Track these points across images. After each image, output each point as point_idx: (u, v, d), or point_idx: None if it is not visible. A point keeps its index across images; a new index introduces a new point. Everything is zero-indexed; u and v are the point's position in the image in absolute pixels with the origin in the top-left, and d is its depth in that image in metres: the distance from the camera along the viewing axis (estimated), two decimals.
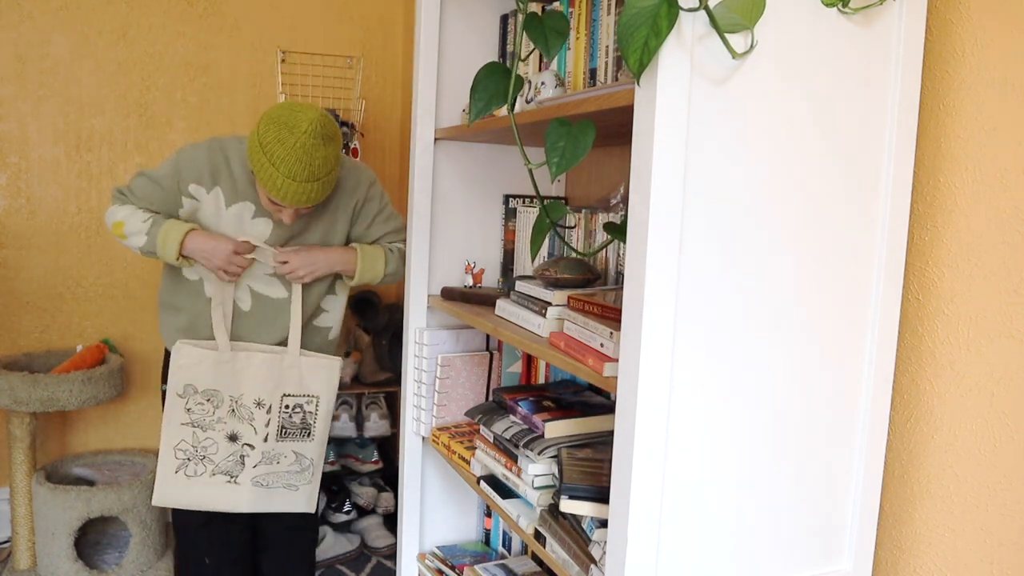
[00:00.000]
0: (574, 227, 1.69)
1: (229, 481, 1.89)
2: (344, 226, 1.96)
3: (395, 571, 2.37)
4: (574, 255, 1.63)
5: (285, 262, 1.85)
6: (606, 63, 1.52)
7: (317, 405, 1.93)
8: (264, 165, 1.64)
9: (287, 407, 1.90)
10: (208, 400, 1.84)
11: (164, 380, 2.01)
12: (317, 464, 1.98)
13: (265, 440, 1.89)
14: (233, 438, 1.87)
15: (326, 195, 1.73)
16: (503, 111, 1.56)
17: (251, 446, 1.89)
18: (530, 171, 1.22)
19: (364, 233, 2.00)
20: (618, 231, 1.30)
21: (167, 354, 2.00)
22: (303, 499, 1.99)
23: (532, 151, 2.03)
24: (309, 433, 1.94)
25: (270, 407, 1.88)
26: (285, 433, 1.91)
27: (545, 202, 1.32)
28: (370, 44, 3.04)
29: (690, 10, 0.94)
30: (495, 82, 1.21)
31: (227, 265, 1.81)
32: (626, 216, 1.35)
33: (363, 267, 1.94)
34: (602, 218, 1.59)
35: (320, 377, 1.93)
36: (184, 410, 1.83)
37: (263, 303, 1.91)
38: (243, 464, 1.89)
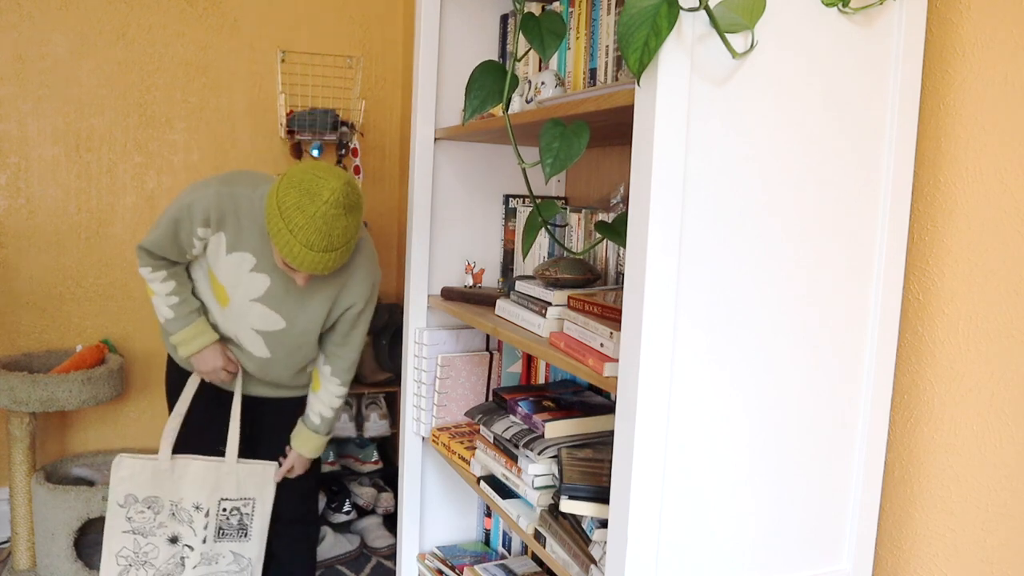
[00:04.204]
0: (565, 226, 1.69)
1: None
2: (334, 318, 1.89)
3: (395, 571, 2.37)
4: (568, 254, 1.63)
5: (291, 469, 2.00)
6: (606, 63, 1.52)
7: (254, 507, 2.00)
8: (281, 230, 1.58)
9: (224, 510, 1.98)
10: (149, 507, 1.92)
11: (168, 383, 2.03)
12: (256, 564, 2.03)
13: (204, 541, 1.96)
14: (174, 540, 1.95)
15: (342, 263, 1.67)
16: (501, 110, 1.56)
17: (191, 547, 1.96)
18: (523, 170, 1.22)
19: (336, 342, 1.92)
20: (609, 230, 1.30)
21: (170, 359, 2.01)
22: None
23: (532, 150, 2.03)
24: (246, 534, 2.01)
25: (208, 511, 1.96)
26: (222, 534, 1.99)
27: (539, 201, 1.32)
28: (370, 44, 3.03)
29: (690, 10, 0.94)
30: (491, 81, 1.21)
31: (210, 376, 1.90)
32: (619, 215, 1.35)
33: (318, 452, 2.02)
34: (600, 218, 1.59)
35: (256, 482, 1.99)
36: (125, 519, 1.91)
37: (247, 356, 1.91)
38: (183, 566, 1.96)
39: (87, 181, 2.72)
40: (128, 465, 1.89)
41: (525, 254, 1.29)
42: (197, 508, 1.94)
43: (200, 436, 1.98)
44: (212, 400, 2.00)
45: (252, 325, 1.84)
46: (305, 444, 1.98)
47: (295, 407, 2.05)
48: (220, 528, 1.97)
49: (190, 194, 1.75)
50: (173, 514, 1.93)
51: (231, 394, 2.00)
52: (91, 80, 2.69)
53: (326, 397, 1.96)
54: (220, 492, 1.96)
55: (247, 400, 2.02)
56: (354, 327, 1.91)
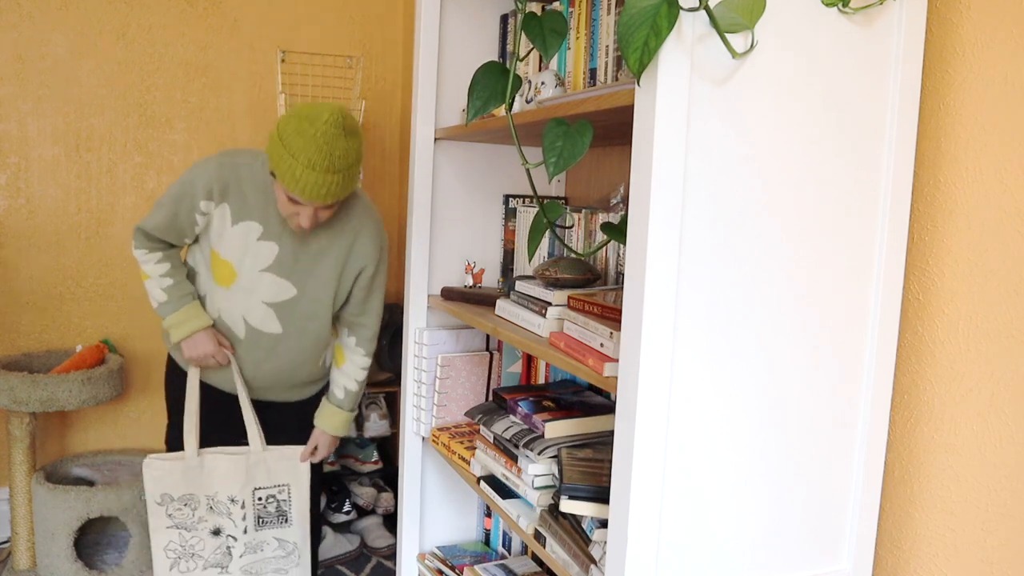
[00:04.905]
0: (571, 227, 1.69)
1: (221, 572, 1.96)
2: (347, 284, 1.89)
3: (395, 571, 2.37)
4: (572, 255, 1.63)
5: (315, 448, 1.98)
6: (606, 63, 1.52)
7: (289, 493, 1.98)
8: (283, 157, 1.61)
9: (260, 499, 1.96)
10: (186, 504, 1.90)
11: (168, 384, 2.02)
12: (303, 546, 2.01)
13: (245, 532, 1.95)
14: (217, 532, 1.93)
15: (345, 193, 1.68)
16: (502, 111, 1.56)
17: (234, 537, 1.95)
18: (528, 171, 1.22)
19: (354, 312, 1.93)
20: (615, 231, 1.30)
21: (170, 359, 2.00)
22: None
23: (532, 151, 2.03)
24: (286, 519, 1.99)
25: (243, 502, 1.94)
26: (263, 522, 1.97)
27: (543, 202, 1.32)
28: (370, 44, 3.03)
29: (690, 10, 0.94)
30: (493, 81, 1.22)
31: (200, 357, 1.86)
32: (624, 216, 1.35)
33: (343, 430, 2.00)
34: (602, 218, 1.59)
35: (286, 467, 1.97)
36: (166, 516, 1.90)
37: (257, 336, 1.88)
38: (230, 555, 1.95)
39: (87, 181, 2.72)
40: (157, 466, 1.87)
41: (531, 256, 1.28)
42: (232, 501, 1.93)
43: (208, 442, 1.98)
44: (216, 404, 1.99)
45: (262, 298, 1.83)
46: (329, 420, 1.97)
47: (301, 411, 2.03)
48: (259, 517, 1.95)
49: (191, 171, 1.78)
50: (211, 508, 1.91)
51: (234, 398, 1.99)
52: (91, 80, 2.69)
53: (351, 369, 1.97)
54: (252, 483, 1.94)
55: (252, 405, 2.01)
56: (370, 292, 1.92)
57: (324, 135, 1.59)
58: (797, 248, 1.09)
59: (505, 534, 2.04)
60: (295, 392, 2.02)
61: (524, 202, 1.94)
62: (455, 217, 1.93)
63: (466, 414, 1.70)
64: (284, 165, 1.61)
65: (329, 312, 1.89)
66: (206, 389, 1.98)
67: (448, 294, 1.85)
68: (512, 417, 1.57)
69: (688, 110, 0.98)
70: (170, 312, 1.83)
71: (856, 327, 1.15)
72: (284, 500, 1.98)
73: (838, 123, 1.09)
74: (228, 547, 1.94)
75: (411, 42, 3.02)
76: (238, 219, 1.77)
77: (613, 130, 1.45)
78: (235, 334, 1.88)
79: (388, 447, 3.05)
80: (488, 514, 2.09)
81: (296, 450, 1.98)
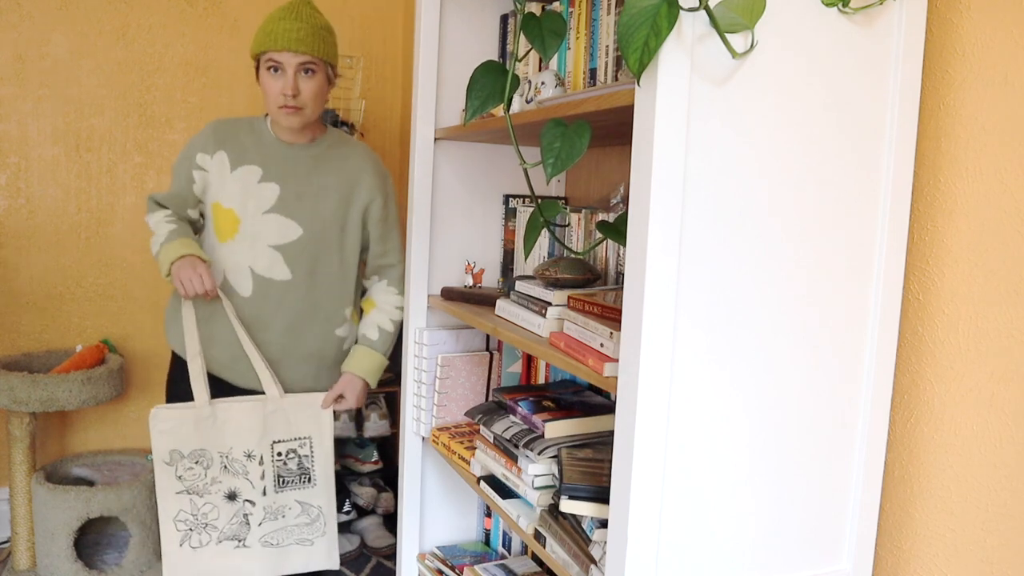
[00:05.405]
0: (568, 225, 1.69)
1: (238, 546, 1.82)
2: (356, 223, 1.90)
3: (395, 571, 2.37)
4: (571, 254, 1.63)
5: (341, 396, 1.91)
6: (606, 63, 1.52)
7: (311, 447, 1.85)
8: (259, 31, 1.78)
9: (279, 454, 1.82)
10: (197, 462, 1.77)
11: (169, 384, 1.99)
12: (328, 512, 1.88)
13: (264, 493, 1.82)
14: (232, 496, 1.80)
15: (318, 50, 1.78)
16: (501, 110, 1.56)
17: (251, 502, 1.81)
18: (525, 170, 1.22)
19: (376, 253, 1.96)
20: (611, 230, 1.30)
21: (174, 356, 1.97)
22: (322, 553, 1.90)
23: (533, 151, 2.03)
24: (309, 479, 1.86)
25: (261, 457, 1.81)
26: (283, 482, 1.83)
27: (541, 201, 1.32)
28: (370, 44, 3.03)
29: (690, 10, 0.94)
30: (492, 81, 1.22)
31: (187, 276, 1.72)
32: (621, 215, 1.35)
33: (375, 376, 1.95)
34: (601, 218, 1.59)
35: (308, 417, 1.84)
36: (175, 478, 1.76)
37: (265, 286, 1.84)
38: (248, 524, 1.81)
39: (87, 181, 2.72)
40: (166, 417, 1.74)
41: (527, 254, 1.29)
42: (249, 456, 1.78)
43: None
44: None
45: (268, 241, 1.83)
46: (360, 363, 1.89)
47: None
48: (279, 476, 1.80)
49: (189, 141, 1.89)
50: (225, 467, 1.77)
51: (238, 391, 1.94)
52: (91, 80, 2.69)
53: (385, 307, 1.96)
54: (270, 435, 1.80)
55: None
56: (387, 229, 1.95)
57: (291, 3, 1.79)
58: (797, 248, 1.09)
59: (505, 534, 2.04)
60: (308, 371, 1.94)
61: (524, 202, 1.94)
62: (455, 217, 1.93)
63: (466, 414, 1.70)
64: (259, 33, 1.77)
65: (339, 257, 1.89)
66: (216, 383, 1.91)
67: (448, 294, 1.85)
68: (512, 417, 1.57)
69: (688, 110, 0.98)
70: (170, 241, 1.77)
71: (856, 327, 1.15)
72: (306, 456, 1.84)
73: (838, 123, 1.09)
74: (245, 515, 1.80)
75: (411, 42, 3.02)
76: (237, 164, 1.83)
77: (613, 130, 1.45)
78: (240, 294, 1.84)
79: (388, 447, 3.05)
80: (488, 514, 2.09)
81: (318, 398, 1.85)
